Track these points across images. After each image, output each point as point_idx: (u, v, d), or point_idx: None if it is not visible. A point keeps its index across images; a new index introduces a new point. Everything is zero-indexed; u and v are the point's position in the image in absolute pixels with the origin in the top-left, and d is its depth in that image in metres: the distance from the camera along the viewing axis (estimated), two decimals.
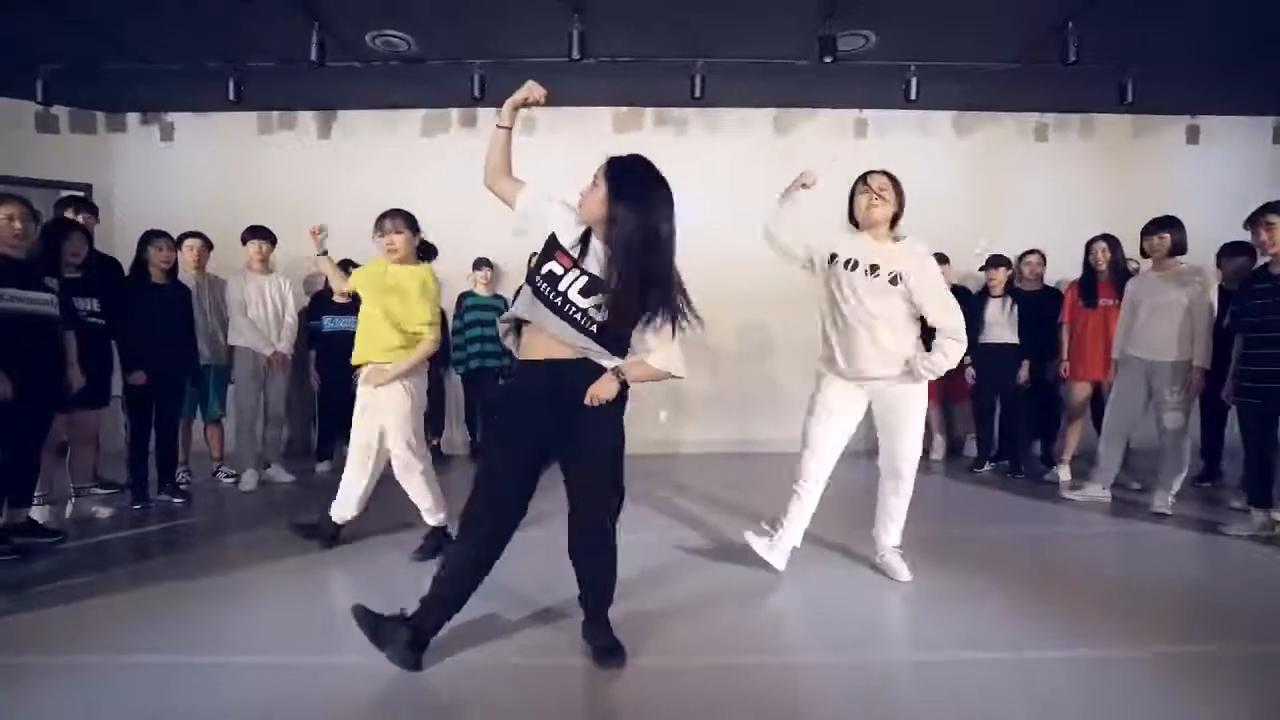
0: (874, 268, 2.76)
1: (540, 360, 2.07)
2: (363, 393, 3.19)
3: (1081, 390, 4.74)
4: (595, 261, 2.01)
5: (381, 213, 3.20)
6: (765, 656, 2.28)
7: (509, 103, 2.14)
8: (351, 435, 3.24)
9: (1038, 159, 6.18)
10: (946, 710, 1.97)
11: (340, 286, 3.46)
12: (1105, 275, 4.62)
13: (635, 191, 1.96)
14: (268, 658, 2.26)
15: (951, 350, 2.74)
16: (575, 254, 2.02)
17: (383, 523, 3.56)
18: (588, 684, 2.12)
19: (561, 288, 1.99)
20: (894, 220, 2.86)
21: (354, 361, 3.22)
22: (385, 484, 3.34)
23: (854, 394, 2.90)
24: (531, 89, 2.11)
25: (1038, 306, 5.06)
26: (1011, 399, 5.06)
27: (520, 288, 2.19)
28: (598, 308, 1.98)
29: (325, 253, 3.47)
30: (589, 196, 2.01)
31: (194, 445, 4.80)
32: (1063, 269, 5.36)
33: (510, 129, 2.16)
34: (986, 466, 5.22)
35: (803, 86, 5.61)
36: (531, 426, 2.09)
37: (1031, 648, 2.33)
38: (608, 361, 2.06)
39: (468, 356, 5.61)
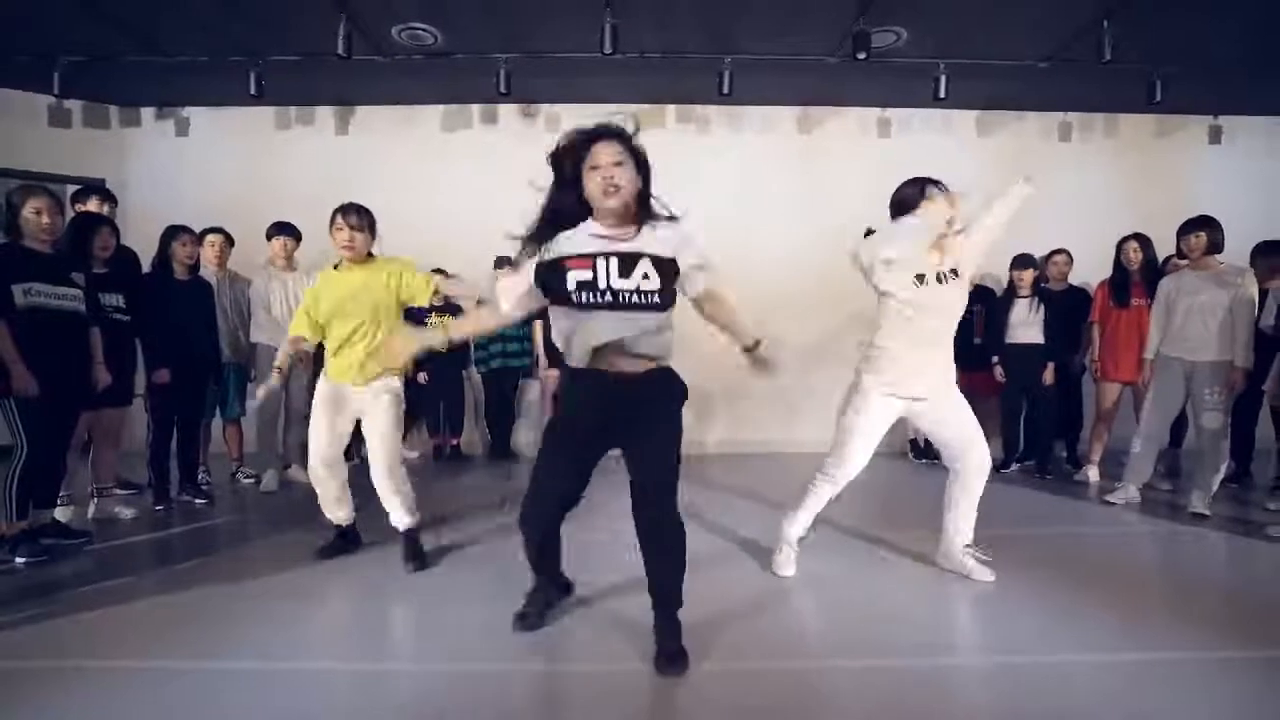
0: (951, 273, 2.74)
1: (605, 370, 2.01)
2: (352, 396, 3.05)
3: (1113, 391, 4.70)
4: (601, 243, 1.97)
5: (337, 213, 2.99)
6: (810, 660, 2.24)
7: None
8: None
9: (1061, 159, 6.14)
10: (998, 715, 1.93)
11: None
12: (1138, 275, 4.58)
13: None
14: (304, 664, 2.20)
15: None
16: (583, 253, 1.96)
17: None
18: (650, 690, 2.06)
19: (601, 285, 1.92)
20: None
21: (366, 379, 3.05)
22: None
23: (893, 407, 2.88)
24: None
25: (1065, 306, 5.04)
26: (1040, 399, 5.01)
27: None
28: (645, 276, 1.93)
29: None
30: (622, 176, 1.93)
31: (212, 445, 4.72)
32: (1086, 268, 5.33)
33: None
34: (1013, 467, 5.18)
35: (827, 84, 5.57)
36: (595, 432, 2.10)
37: (1077, 650, 2.28)
38: (671, 343, 2.07)
39: (489, 356, 5.56)
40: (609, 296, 1.92)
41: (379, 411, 3.02)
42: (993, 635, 2.44)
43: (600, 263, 1.93)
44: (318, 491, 3.14)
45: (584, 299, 1.92)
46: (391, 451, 3.06)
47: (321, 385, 3.08)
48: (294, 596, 2.75)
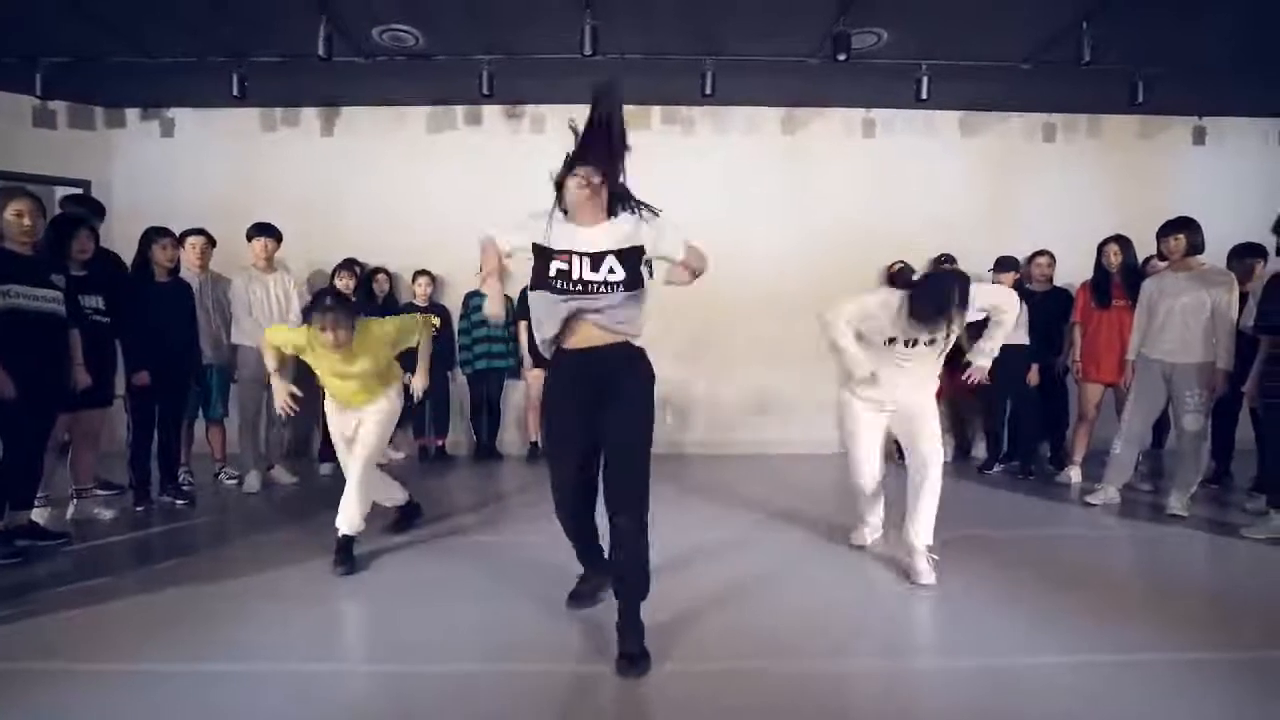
0: (932, 341, 2.94)
1: (579, 349, 2.26)
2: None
3: (1094, 392, 4.71)
4: (580, 242, 2.18)
5: (317, 303, 3.03)
6: (784, 661, 2.24)
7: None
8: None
9: (1045, 159, 6.16)
10: (975, 717, 1.93)
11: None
12: (1118, 276, 4.60)
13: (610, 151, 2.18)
14: (289, 666, 2.21)
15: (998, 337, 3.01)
16: (566, 248, 2.18)
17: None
18: (612, 690, 2.07)
19: (575, 276, 2.16)
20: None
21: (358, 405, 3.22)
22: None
23: (879, 415, 3.16)
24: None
25: (1047, 307, 5.05)
26: (1023, 400, 5.03)
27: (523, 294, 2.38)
28: (611, 269, 2.16)
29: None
30: (593, 192, 2.16)
31: (195, 446, 4.72)
32: (1069, 269, 5.34)
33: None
34: (996, 468, 5.20)
35: (811, 85, 5.57)
36: (578, 408, 2.26)
37: (1056, 652, 2.29)
38: (637, 318, 2.25)
39: (474, 357, 5.56)
40: (579, 286, 2.17)
41: (372, 412, 3.21)
42: (970, 637, 2.44)
43: (575, 259, 2.17)
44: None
45: (559, 286, 2.17)
46: (371, 457, 3.15)
47: (329, 404, 3.28)
48: (277, 597, 2.76)
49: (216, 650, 2.29)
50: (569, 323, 2.22)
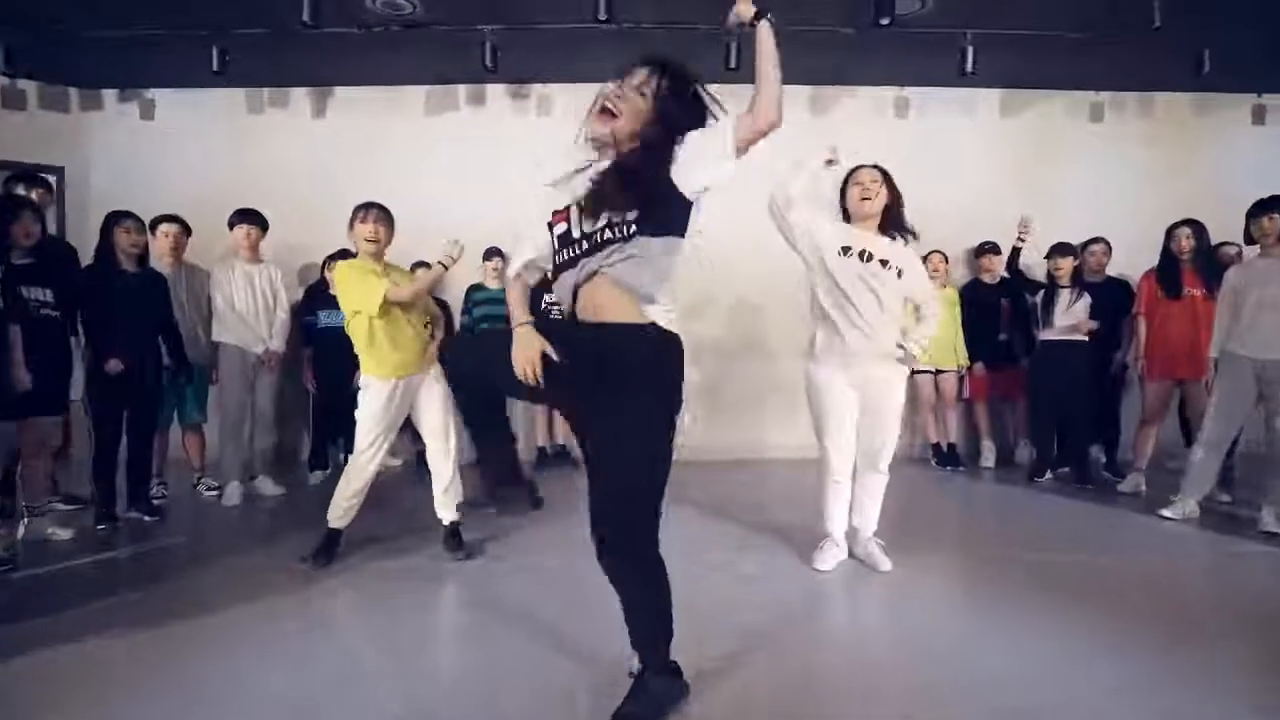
0: (884, 261, 2.82)
1: (589, 322, 1.70)
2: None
3: (1163, 391, 4.25)
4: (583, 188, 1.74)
5: (360, 208, 3.18)
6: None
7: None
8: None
9: (1091, 140, 5.72)
10: None
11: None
12: (1189, 264, 4.15)
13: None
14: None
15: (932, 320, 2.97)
16: (563, 207, 1.76)
17: (365, 532, 3.26)
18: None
19: (575, 236, 1.72)
20: (886, 213, 2.91)
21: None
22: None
23: (845, 379, 2.87)
24: None
25: (1104, 299, 4.62)
26: (1078, 400, 4.57)
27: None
28: (606, 218, 1.67)
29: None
30: (625, 105, 1.75)
31: (170, 453, 4.28)
32: (1118, 257, 4.93)
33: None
34: (1047, 475, 4.74)
35: (840, 62, 5.15)
36: (570, 369, 1.64)
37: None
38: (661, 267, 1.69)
39: None
40: (580, 246, 1.71)
41: (437, 400, 3.09)
42: (1035, 682, 2.02)
43: (571, 212, 1.74)
44: (355, 493, 3.05)
45: (562, 257, 1.75)
46: (452, 440, 3.14)
47: (379, 392, 3.00)
48: (261, 634, 2.36)
49: (188, 700, 1.92)
50: (579, 293, 1.71)
